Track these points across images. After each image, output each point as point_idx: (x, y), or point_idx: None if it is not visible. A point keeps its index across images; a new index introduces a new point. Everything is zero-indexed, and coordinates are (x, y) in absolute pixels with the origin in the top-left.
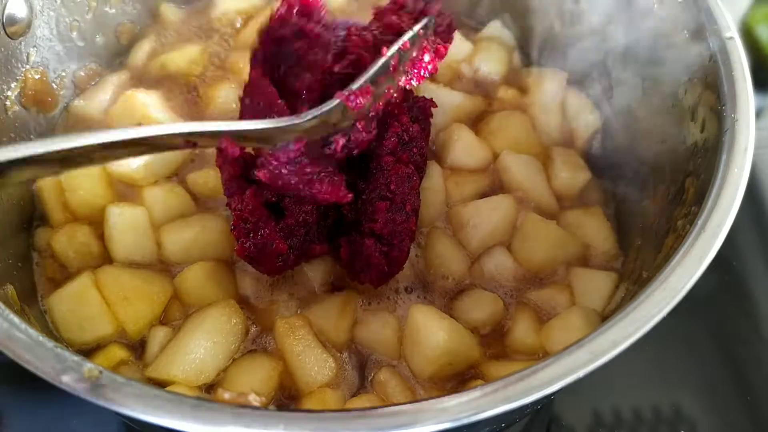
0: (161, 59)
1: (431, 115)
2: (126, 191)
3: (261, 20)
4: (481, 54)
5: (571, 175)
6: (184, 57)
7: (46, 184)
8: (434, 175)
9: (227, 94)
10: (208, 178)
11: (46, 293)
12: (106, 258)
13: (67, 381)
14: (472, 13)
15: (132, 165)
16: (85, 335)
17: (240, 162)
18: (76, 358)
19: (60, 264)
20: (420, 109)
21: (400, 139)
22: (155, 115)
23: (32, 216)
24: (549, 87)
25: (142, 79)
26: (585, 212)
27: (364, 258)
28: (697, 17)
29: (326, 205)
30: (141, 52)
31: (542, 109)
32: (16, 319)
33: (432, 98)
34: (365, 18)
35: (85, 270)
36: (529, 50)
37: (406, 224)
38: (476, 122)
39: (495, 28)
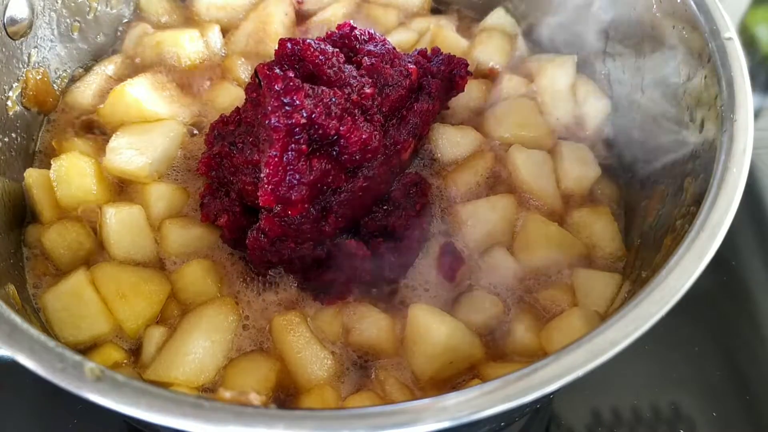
0: (156, 37)
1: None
2: (119, 187)
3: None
4: (480, 46)
5: (580, 173)
6: (179, 37)
7: (35, 181)
8: None
9: (224, 86)
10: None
11: (39, 291)
12: (98, 255)
13: (68, 380)
14: (474, 4)
15: (135, 163)
16: (80, 334)
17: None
18: (77, 357)
19: (51, 261)
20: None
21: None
22: (151, 108)
23: (25, 212)
24: (557, 71)
25: (137, 65)
26: (592, 211)
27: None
28: (696, 17)
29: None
30: (135, 33)
31: (551, 95)
32: (17, 319)
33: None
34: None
35: (77, 267)
36: (535, 36)
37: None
38: (480, 113)
39: (498, 15)
